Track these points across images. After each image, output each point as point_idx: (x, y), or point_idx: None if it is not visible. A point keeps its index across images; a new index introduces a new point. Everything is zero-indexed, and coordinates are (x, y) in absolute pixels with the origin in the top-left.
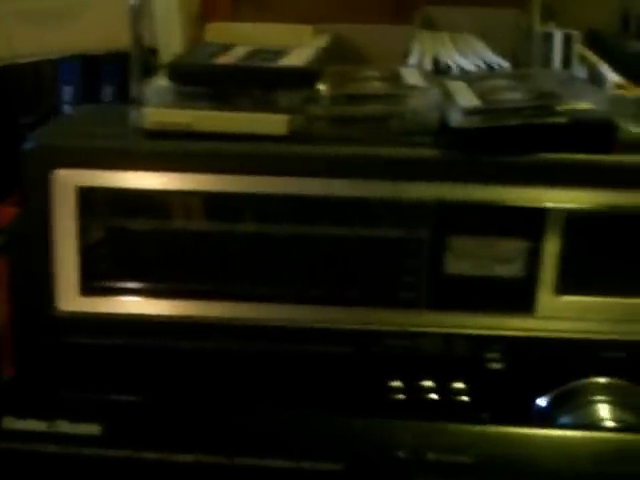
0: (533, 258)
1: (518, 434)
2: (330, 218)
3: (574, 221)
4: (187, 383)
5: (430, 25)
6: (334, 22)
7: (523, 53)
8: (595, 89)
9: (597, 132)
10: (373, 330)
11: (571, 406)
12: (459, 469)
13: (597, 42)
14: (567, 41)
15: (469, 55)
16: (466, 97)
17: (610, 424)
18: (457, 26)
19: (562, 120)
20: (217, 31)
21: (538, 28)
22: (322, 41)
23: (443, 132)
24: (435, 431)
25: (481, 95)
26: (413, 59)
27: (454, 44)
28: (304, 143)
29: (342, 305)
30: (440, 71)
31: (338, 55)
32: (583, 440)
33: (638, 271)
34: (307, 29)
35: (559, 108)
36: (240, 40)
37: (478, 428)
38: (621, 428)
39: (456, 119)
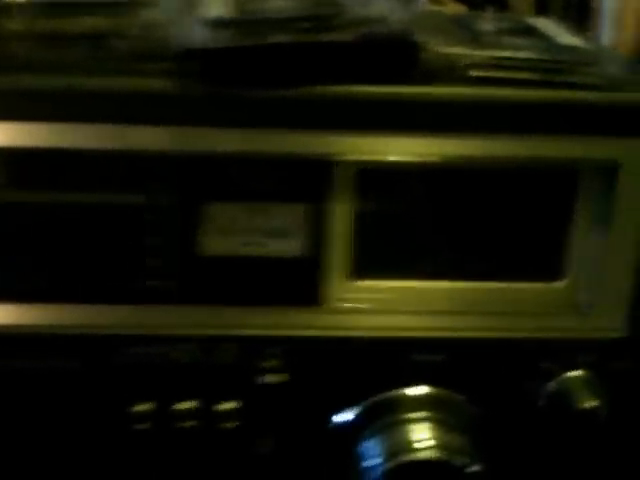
0: (318, 231)
1: None
2: (35, 179)
3: (369, 179)
4: None
5: None
6: None
7: None
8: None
9: (393, 53)
10: (108, 335)
11: (379, 425)
12: None
13: None
14: None
15: None
16: (217, 6)
17: (426, 446)
18: None
19: (345, 37)
20: None
21: None
22: None
23: (187, 56)
24: None
25: (238, 4)
26: None
27: None
28: None
29: (64, 303)
30: None
31: None
32: None
33: (457, 245)
34: None
35: (341, 21)
36: None
37: None
38: None
39: (198, 36)
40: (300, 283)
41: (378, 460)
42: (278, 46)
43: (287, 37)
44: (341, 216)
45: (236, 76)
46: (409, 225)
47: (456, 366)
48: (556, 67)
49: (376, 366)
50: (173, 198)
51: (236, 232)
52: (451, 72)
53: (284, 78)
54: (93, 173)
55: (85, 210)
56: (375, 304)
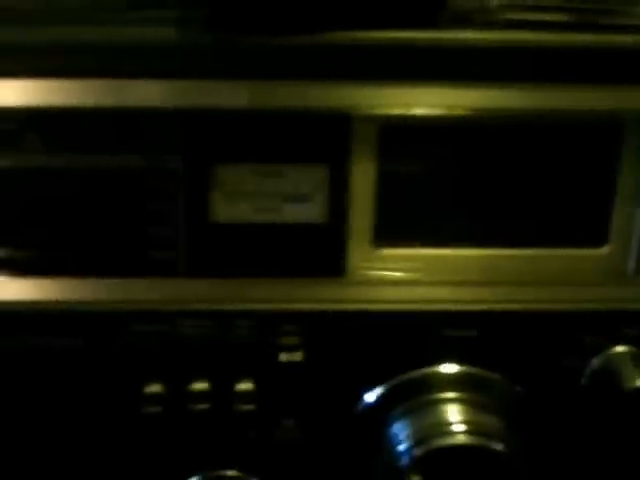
0: (338, 194)
1: None
2: (26, 141)
3: (393, 136)
4: None
5: None
6: None
7: None
8: None
9: None
10: (112, 311)
11: (407, 407)
12: None
13: None
14: None
15: None
16: None
17: (460, 430)
18: None
19: None
20: None
21: None
22: None
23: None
24: None
25: None
26: None
27: None
28: None
29: (62, 277)
30: None
31: None
32: None
33: (491, 209)
34: None
35: None
36: None
37: None
38: None
39: None
40: (320, 252)
41: (407, 445)
42: None
43: None
44: (363, 178)
45: (247, 23)
46: (438, 187)
47: (491, 342)
48: (596, 8)
49: (403, 342)
50: (177, 160)
51: (247, 197)
52: (482, 15)
53: (300, 24)
54: (89, 134)
55: (81, 175)
56: (402, 274)
